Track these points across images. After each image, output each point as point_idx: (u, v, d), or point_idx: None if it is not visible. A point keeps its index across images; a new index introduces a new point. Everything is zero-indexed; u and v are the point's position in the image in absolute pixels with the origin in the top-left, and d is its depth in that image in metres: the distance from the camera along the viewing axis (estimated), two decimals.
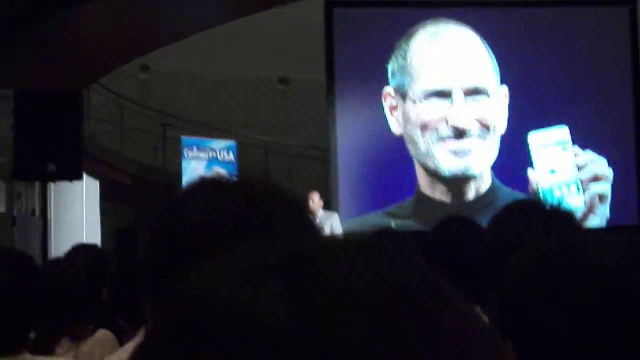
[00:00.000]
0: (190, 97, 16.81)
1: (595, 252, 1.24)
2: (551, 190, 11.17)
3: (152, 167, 16.93)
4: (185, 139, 13.90)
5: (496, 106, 12.17)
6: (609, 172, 11.90)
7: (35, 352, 2.87)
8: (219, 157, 13.52)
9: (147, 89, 17.51)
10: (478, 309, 2.43)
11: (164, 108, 17.22)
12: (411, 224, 11.87)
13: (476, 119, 12.04)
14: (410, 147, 12.19)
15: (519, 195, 11.65)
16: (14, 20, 11.62)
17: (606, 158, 11.93)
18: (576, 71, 12.65)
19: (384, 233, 4.24)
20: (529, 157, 11.22)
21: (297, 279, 0.57)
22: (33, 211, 11.49)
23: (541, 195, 11.01)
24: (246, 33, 15.02)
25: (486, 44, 12.37)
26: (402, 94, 12.23)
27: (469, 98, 12.04)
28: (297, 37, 15.21)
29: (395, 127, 12.25)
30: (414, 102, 12.13)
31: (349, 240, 0.63)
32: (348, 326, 0.55)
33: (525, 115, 12.01)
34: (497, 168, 12.17)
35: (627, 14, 12.97)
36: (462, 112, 11.97)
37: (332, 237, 0.66)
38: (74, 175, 9.75)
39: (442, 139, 12.02)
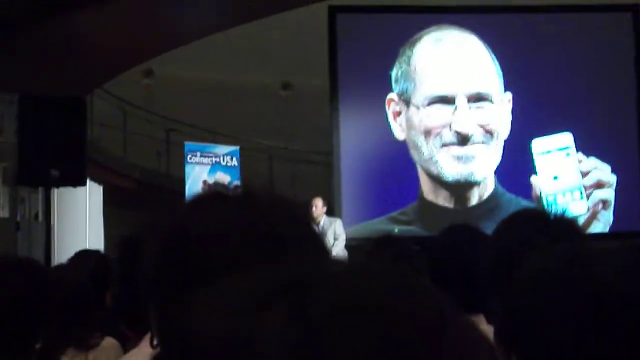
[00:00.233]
0: (193, 102, 16.81)
1: (599, 264, 1.24)
2: (555, 196, 11.17)
3: (156, 173, 16.93)
4: (188, 144, 13.89)
5: (500, 112, 12.17)
6: (612, 179, 11.90)
7: None
8: (222, 162, 13.51)
9: (151, 94, 17.51)
10: (482, 317, 2.43)
11: (168, 113, 17.23)
12: (414, 229, 11.87)
13: (480, 125, 12.03)
14: (413, 153, 12.19)
15: (522, 201, 11.66)
16: (18, 25, 11.63)
17: (610, 164, 11.93)
18: (579, 77, 12.64)
19: (387, 239, 4.24)
20: (533, 163, 11.24)
21: (302, 306, 0.56)
22: (36, 216, 11.48)
23: (545, 201, 11.01)
24: (250, 39, 15.04)
25: (490, 50, 12.37)
26: (405, 99, 12.23)
27: (473, 104, 12.04)
28: (301, 43, 15.22)
29: (399, 133, 12.25)
30: (418, 107, 12.13)
31: (352, 264, 0.63)
32: (354, 354, 0.54)
33: (529, 122, 12.01)
34: (501, 174, 12.16)
35: (630, 20, 12.97)
36: (466, 118, 11.97)
37: (336, 261, 0.65)
38: (78, 181, 9.76)
39: (445, 144, 12.02)
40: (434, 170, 12.10)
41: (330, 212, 11.42)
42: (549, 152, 11.35)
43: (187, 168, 13.37)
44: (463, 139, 12.00)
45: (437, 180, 12.15)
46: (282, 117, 17.65)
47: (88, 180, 11.07)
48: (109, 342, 3.59)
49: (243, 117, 16.94)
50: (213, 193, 1.29)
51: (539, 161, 11.37)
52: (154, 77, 17.38)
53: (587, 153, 11.72)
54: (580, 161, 11.56)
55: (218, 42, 14.11)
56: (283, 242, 1.17)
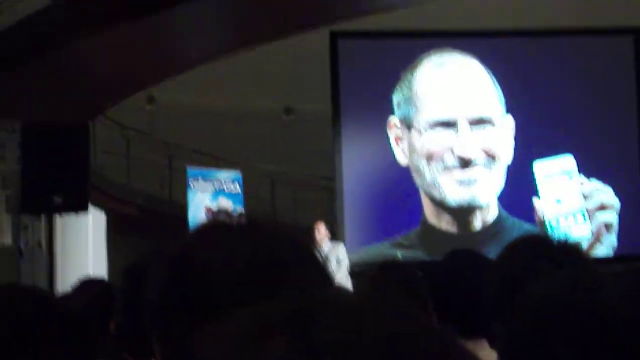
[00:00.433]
0: (196, 128, 16.84)
1: (604, 289, 1.24)
2: (558, 220, 11.15)
3: (159, 199, 16.94)
4: (191, 170, 13.89)
5: (502, 136, 12.18)
6: (615, 201, 11.88)
7: None
8: (224, 188, 13.51)
9: (153, 120, 17.55)
10: (484, 342, 2.43)
11: (170, 139, 17.26)
12: (417, 254, 11.87)
13: (482, 149, 12.04)
14: (416, 177, 12.19)
15: (525, 225, 11.65)
16: (20, 53, 11.67)
17: (612, 187, 11.92)
18: (581, 100, 12.66)
19: (390, 265, 4.24)
20: (535, 186, 11.22)
21: (305, 336, 0.57)
22: (39, 243, 11.49)
23: (547, 224, 11.00)
24: (251, 64, 15.07)
25: (491, 74, 12.39)
26: (407, 124, 12.24)
27: (475, 128, 12.05)
28: (302, 68, 15.26)
29: (401, 158, 12.26)
30: (420, 132, 12.14)
31: (355, 294, 0.63)
32: None
33: (531, 145, 12.01)
34: (503, 198, 12.16)
35: (631, 43, 13.00)
36: (468, 141, 11.98)
37: (339, 291, 0.66)
38: (81, 208, 9.77)
39: (447, 168, 12.02)
40: (436, 194, 12.10)
41: (333, 237, 11.42)
42: (551, 175, 11.35)
43: (190, 194, 13.37)
44: (465, 163, 12.00)
45: (440, 205, 12.14)
46: (284, 141, 17.67)
47: (91, 207, 11.08)
48: None
49: (245, 142, 16.97)
50: (217, 222, 1.30)
51: (541, 184, 11.36)
52: (156, 103, 17.41)
53: (590, 176, 11.71)
54: (582, 184, 11.55)
55: (219, 67, 14.15)
56: (286, 271, 1.17)
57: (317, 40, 12.94)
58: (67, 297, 4.28)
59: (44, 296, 2.66)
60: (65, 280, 9.98)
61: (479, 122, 12.10)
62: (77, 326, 3.66)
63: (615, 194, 11.92)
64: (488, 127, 12.14)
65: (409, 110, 12.28)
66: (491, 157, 12.08)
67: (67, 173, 9.35)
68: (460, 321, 2.58)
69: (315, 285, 1.16)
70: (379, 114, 12.36)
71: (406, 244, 12.13)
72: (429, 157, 12.06)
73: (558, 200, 11.12)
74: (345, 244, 11.49)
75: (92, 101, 13.21)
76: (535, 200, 11.17)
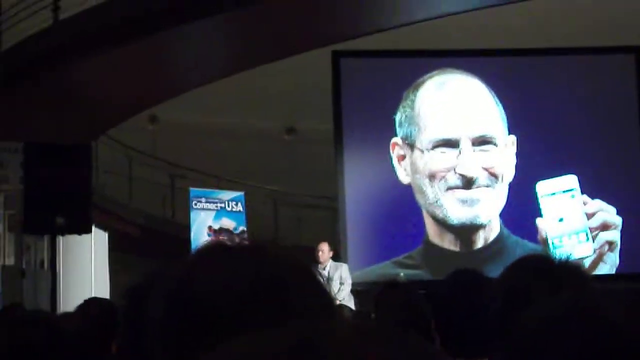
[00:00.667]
0: (198, 148, 16.85)
1: (605, 309, 1.24)
2: (560, 239, 11.15)
3: (161, 219, 16.92)
4: (193, 190, 13.90)
5: (504, 155, 12.18)
6: (618, 220, 11.88)
7: None
8: (227, 208, 13.52)
9: (156, 140, 17.57)
10: None
11: (173, 159, 17.26)
12: (420, 273, 11.86)
13: (484, 168, 12.04)
14: (418, 197, 12.19)
15: (527, 244, 11.65)
16: (22, 74, 11.70)
17: (615, 206, 11.92)
18: (583, 119, 12.67)
19: (393, 285, 4.24)
20: (538, 205, 11.23)
21: None
22: (42, 263, 11.49)
23: (550, 243, 10.99)
24: (253, 84, 15.10)
25: (493, 93, 12.40)
26: (410, 143, 12.25)
27: (477, 147, 12.06)
28: (304, 88, 15.28)
29: (404, 177, 12.26)
30: (422, 151, 12.14)
31: (356, 324, 0.63)
32: None
33: (533, 164, 12.02)
34: (506, 217, 12.15)
35: (633, 62, 13.01)
36: (470, 161, 11.98)
37: (341, 321, 0.66)
38: (83, 229, 9.78)
39: (450, 188, 12.02)
40: (439, 213, 12.10)
41: (336, 256, 11.40)
42: (553, 194, 11.35)
43: (193, 214, 13.38)
44: (468, 182, 12.00)
45: (443, 224, 12.14)
46: (286, 161, 17.68)
47: (93, 227, 11.08)
48: None
49: (247, 162, 16.97)
50: (219, 244, 1.30)
51: (544, 204, 11.37)
52: (159, 123, 17.43)
53: (592, 195, 11.71)
54: (585, 203, 11.55)
55: (222, 87, 14.17)
56: (287, 294, 1.17)
57: (319, 59, 12.96)
58: (69, 317, 4.28)
59: (47, 319, 2.66)
60: (68, 300, 9.97)
61: (481, 141, 12.11)
62: (80, 348, 3.66)
63: (618, 213, 11.92)
64: (490, 146, 12.14)
65: (411, 130, 12.29)
66: (493, 176, 12.08)
67: (69, 193, 9.35)
68: (463, 341, 2.58)
69: (316, 307, 1.16)
70: (381, 133, 12.37)
71: (409, 263, 12.12)
72: (432, 177, 12.06)
73: (561, 219, 11.13)
74: (348, 264, 11.47)
75: (94, 121, 13.23)
76: (538, 219, 11.18)
